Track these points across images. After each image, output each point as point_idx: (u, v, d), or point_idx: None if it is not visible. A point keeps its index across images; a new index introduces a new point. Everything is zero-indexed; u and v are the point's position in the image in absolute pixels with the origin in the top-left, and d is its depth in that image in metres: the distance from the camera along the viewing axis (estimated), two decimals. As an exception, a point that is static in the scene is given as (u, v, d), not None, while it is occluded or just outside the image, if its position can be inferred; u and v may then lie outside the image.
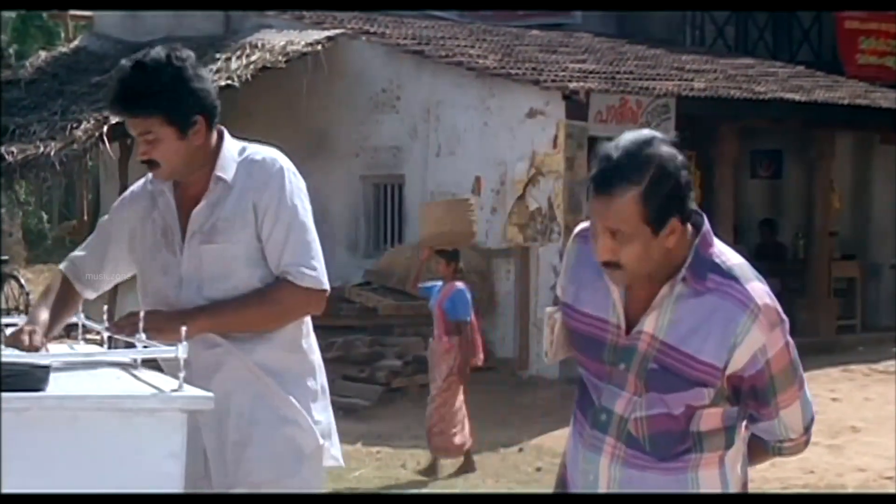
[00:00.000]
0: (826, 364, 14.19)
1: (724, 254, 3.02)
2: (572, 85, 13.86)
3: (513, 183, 14.20)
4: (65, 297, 3.87)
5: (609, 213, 2.89)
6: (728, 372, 2.96)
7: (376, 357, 13.27)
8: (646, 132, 2.96)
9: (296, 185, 3.77)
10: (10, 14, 29.60)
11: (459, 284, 9.94)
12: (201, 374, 3.56)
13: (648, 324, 2.99)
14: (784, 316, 3.01)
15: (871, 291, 17.59)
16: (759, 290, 2.98)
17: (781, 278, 17.23)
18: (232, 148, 3.79)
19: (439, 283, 10.07)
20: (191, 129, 3.69)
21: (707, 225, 3.02)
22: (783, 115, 16.02)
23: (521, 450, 10.79)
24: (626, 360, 3.02)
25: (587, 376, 3.15)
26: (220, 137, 3.80)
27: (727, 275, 2.97)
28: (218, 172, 3.73)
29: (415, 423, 11.22)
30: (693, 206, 2.97)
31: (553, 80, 13.99)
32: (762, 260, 17.28)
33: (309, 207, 3.80)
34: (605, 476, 3.08)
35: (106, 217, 4.00)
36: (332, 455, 3.86)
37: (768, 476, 9.53)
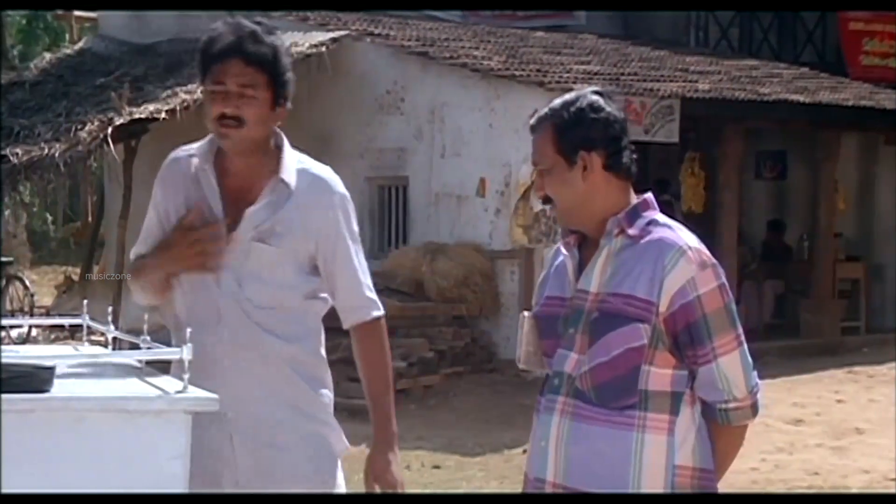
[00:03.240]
0: (830, 365, 14.19)
1: (668, 220, 3.21)
2: (577, 86, 13.81)
3: (517, 184, 14.20)
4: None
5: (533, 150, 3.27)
6: (662, 308, 3.10)
7: (380, 358, 13.25)
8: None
9: (352, 210, 3.77)
10: (15, 15, 29.62)
11: None
12: (232, 375, 3.57)
13: (593, 284, 3.18)
14: (717, 263, 3.17)
15: (875, 293, 17.56)
16: (693, 238, 3.17)
17: (786, 279, 17.28)
18: (292, 154, 3.76)
19: None
20: (279, 104, 3.69)
21: (651, 196, 3.25)
22: (788, 117, 16.02)
23: (525, 451, 10.77)
24: (574, 323, 3.19)
25: (549, 363, 3.28)
26: (279, 140, 3.78)
27: (664, 226, 3.18)
28: (283, 175, 3.66)
29: (419, 425, 11.22)
30: (628, 162, 3.22)
31: (557, 82, 13.99)
32: (767, 261, 17.37)
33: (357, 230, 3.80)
34: (555, 434, 3.20)
35: (151, 202, 3.81)
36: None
37: (772, 478, 9.54)
